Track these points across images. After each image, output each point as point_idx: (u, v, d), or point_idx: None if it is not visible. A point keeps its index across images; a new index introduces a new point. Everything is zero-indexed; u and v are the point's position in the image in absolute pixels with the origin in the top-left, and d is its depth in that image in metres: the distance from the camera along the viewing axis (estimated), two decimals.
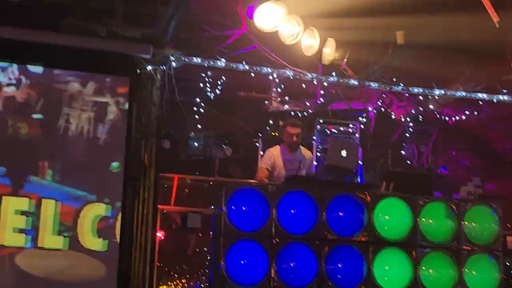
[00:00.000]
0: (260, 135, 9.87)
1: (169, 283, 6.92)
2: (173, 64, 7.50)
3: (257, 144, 9.69)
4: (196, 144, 9.67)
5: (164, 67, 7.51)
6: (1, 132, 7.01)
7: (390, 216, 7.31)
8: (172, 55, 7.49)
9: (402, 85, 8.67)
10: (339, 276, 7.05)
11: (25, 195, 6.90)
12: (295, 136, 7.85)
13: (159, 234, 6.94)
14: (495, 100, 8.93)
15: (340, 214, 7.20)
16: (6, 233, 6.78)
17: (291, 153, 7.86)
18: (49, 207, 6.95)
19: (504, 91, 8.90)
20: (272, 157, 7.90)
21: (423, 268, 7.25)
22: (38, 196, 6.93)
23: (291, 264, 6.97)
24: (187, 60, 7.70)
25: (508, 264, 7.69)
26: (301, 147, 8.11)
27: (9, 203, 6.84)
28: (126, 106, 7.39)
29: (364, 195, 7.27)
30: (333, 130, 9.78)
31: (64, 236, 6.88)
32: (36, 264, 6.80)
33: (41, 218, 6.87)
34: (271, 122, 9.73)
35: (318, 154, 9.52)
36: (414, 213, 7.32)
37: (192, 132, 9.60)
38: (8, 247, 6.78)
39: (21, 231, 6.81)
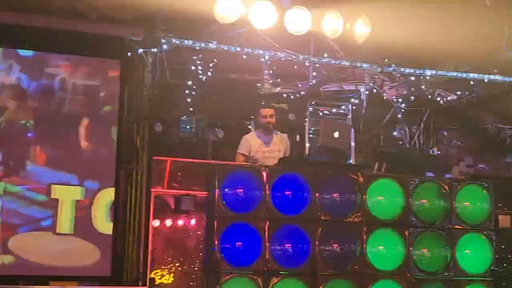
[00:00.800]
0: (252, 117, 9.85)
1: (163, 266, 6.93)
2: (164, 46, 7.47)
3: (250, 126, 9.68)
4: (188, 127, 9.64)
5: (155, 50, 7.48)
6: None
7: (383, 196, 7.33)
8: (163, 38, 7.45)
9: (393, 65, 8.67)
10: (332, 256, 7.08)
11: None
12: (268, 116, 7.89)
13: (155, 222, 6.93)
14: (486, 80, 8.96)
15: (333, 195, 7.22)
16: None
17: (268, 135, 7.92)
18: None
19: (495, 70, 8.92)
20: (248, 142, 7.93)
21: (416, 247, 7.29)
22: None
23: (285, 246, 7.00)
24: (178, 42, 7.67)
25: (500, 243, 7.71)
26: (279, 133, 8.12)
27: None
28: (118, 89, 7.37)
29: (357, 176, 7.28)
30: (325, 111, 9.79)
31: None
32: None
33: None
34: (263, 104, 9.69)
35: (311, 135, 9.53)
36: (407, 194, 7.34)
37: (184, 115, 9.57)
38: None
39: None
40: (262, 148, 7.86)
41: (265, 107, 8.05)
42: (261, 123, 7.99)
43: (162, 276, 6.84)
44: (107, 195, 7.07)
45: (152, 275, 6.79)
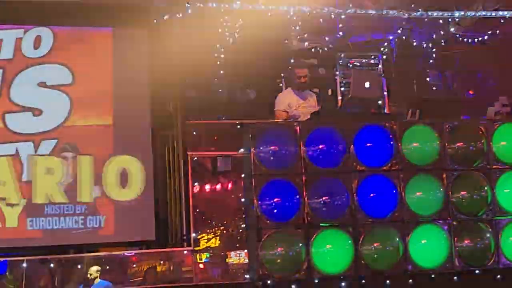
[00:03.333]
0: (283, 75, 9.87)
1: (208, 230, 7.07)
2: (189, 11, 7.51)
3: (281, 84, 9.71)
4: (220, 90, 9.71)
5: (181, 15, 7.53)
6: None
7: (418, 143, 7.31)
8: (187, 2, 7.49)
9: (421, 10, 8.55)
10: (371, 206, 7.12)
11: None
12: (303, 77, 7.93)
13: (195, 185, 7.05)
14: None
15: (368, 145, 7.22)
16: None
17: (302, 92, 8.00)
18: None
19: None
20: (286, 98, 8.02)
21: (455, 190, 7.27)
22: None
23: (324, 199, 7.06)
24: (202, 5, 7.70)
25: None
26: (311, 93, 8.16)
27: None
28: (147, 57, 7.47)
29: (391, 124, 7.26)
30: (355, 63, 9.76)
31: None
32: None
33: None
34: (292, 61, 9.69)
35: (342, 88, 9.54)
36: (442, 138, 7.30)
37: (215, 78, 9.63)
38: None
39: None
40: (301, 104, 7.94)
41: (300, 67, 8.04)
42: (295, 83, 8.03)
43: (209, 239, 6.97)
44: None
45: (198, 238, 6.93)
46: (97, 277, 6.65)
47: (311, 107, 8.00)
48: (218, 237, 7.01)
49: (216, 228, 7.06)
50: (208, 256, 6.90)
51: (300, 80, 7.97)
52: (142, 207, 7.22)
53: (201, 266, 6.91)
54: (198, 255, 6.87)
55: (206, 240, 6.96)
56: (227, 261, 6.96)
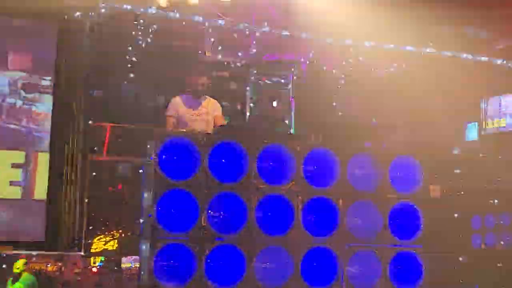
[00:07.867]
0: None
1: (103, 234, 6.91)
2: (103, 10, 7.37)
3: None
4: (129, 93, 9.57)
5: (93, 14, 7.38)
6: None
7: (319, 166, 7.44)
8: (101, 2, 7.35)
9: (332, 37, 8.74)
10: (268, 223, 7.18)
11: None
12: (200, 85, 7.93)
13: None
14: (422, 53, 9.14)
15: (271, 163, 7.29)
16: None
17: (196, 100, 7.98)
18: None
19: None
20: (174, 104, 8.00)
21: (350, 215, 7.44)
22: None
23: (221, 213, 7.05)
24: (117, 6, 7.57)
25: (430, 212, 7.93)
26: (208, 97, 8.17)
27: None
28: (55, 53, 7.27)
29: (294, 145, 7.36)
30: (267, 81, 9.85)
31: None
32: None
33: None
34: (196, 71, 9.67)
35: (252, 104, 9.60)
36: (342, 163, 7.47)
37: (125, 81, 9.48)
38: None
39: None
40: (190, 111, 7.91)
41: (199, 75, 8.02)
42: (191, 88, 8.00)
43: (106, 242, 6.84)
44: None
45: (95, 241, 6.78)
46: (23, 270, 6.41)
47: (204, 114, 7.99)
48: (116, 240, 6.87)
49: (115, 231, 6.91)
50: (102, 260, 6.76)
51: (197, 88, 7.94)
52: (33, 206, 6.97)
53: (94, 270, 6.75)
54: (92, 258, 6.71)
55: (103, 243, 6.81)
56: (122, 266, 6.83)
